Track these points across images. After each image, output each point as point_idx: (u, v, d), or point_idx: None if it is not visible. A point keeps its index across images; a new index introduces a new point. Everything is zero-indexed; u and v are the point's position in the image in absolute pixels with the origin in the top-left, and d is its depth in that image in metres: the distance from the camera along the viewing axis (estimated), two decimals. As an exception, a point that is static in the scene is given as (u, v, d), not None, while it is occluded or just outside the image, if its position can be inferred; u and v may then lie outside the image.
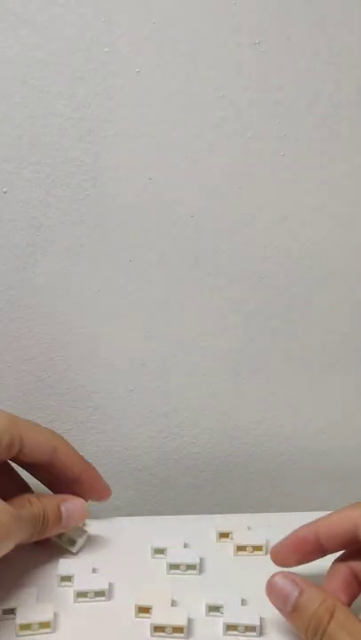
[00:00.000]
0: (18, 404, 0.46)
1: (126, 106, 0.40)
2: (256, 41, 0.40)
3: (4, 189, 0.41)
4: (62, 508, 0.37)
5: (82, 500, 0.38)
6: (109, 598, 0.35)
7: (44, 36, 0.38)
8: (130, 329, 0.45)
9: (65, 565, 0.36)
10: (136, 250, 0.43)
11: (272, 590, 0.31)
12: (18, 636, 0.32)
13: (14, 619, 0.32)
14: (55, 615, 0.33)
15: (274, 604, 0.31)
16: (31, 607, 0.33)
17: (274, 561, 0.34)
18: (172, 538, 0.39)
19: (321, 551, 0.33)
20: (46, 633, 0.32)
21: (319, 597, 0.31)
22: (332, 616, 0.30)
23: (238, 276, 0.45)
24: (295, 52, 0.40)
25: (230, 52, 0.40)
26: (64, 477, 0.39)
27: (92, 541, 0.39)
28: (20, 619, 0.32)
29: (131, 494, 0.49)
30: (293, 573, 0.32)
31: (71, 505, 0.37)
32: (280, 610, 0.31)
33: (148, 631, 0.32)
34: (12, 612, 0.33)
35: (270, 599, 0.32)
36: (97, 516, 0.41)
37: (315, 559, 0.34)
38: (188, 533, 0.39)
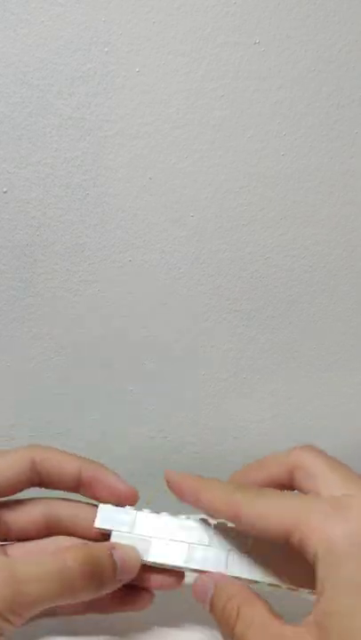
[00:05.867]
0: (18, 404, 0.46)
1: (126, 106, 0.40)
2: (256, 41, 0.40)
3: (4, 189, 0.40)
4: (115, 557, 0.29)
5: (133, 548, 0.30)
6: None
7: (43, 35, 0.38)
8: (130, 329, 0.45)
9: None
10: (136, 250, 0.43)
11: (195, 590, 0.29)
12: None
13: None
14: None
15: (200, 603, 0.29)
16: None
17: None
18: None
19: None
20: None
21: (227, 592, 0.27)
22: (237, 615, 0.26)
23: (238, 275, 0.45)
24: (295, 51, 0.40)
25: (230, 51, 0.40)
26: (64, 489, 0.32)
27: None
28: None
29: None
30: (220, 573, 0.29)
31: (122, 553, 0.29)
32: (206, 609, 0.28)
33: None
34: None
35: (197, 600, 0.29)
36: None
37: None
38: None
